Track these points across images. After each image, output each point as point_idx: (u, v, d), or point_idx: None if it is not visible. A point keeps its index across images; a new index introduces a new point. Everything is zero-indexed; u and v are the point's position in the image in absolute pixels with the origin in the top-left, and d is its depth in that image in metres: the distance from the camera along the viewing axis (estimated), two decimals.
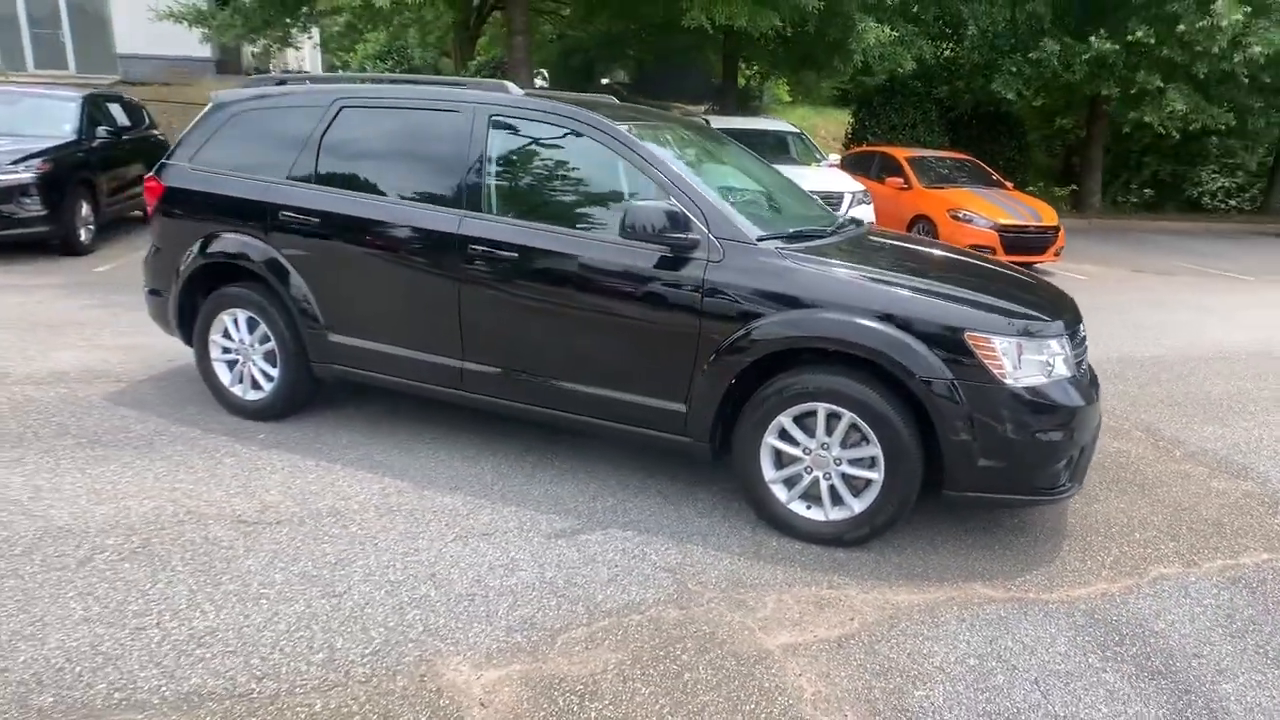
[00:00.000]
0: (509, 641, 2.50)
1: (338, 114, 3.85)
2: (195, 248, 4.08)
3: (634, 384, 3.34)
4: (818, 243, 3.41)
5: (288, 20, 13.17)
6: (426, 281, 3.62)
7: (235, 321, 4.10)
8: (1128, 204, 18.52)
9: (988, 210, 10.26)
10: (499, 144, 3.57)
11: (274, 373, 4.06)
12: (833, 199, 9.18)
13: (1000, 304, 3.02)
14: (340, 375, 3.99)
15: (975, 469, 2.92)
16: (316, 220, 3.80)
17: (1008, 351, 2.88)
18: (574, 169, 3.58)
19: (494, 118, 3.56)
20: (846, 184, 9.86)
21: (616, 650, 2.49)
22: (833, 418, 3.04)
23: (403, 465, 3.73)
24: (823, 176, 9.89)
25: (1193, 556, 3.21)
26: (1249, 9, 11.83)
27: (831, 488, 3.12)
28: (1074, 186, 17.60)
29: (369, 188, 3.81)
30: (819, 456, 3.10)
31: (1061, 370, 3.00)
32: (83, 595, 2.64)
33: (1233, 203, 19.73)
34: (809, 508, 3.18)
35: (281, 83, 4.26)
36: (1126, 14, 13.49)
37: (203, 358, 4.21)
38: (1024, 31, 14.62)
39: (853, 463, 3.06)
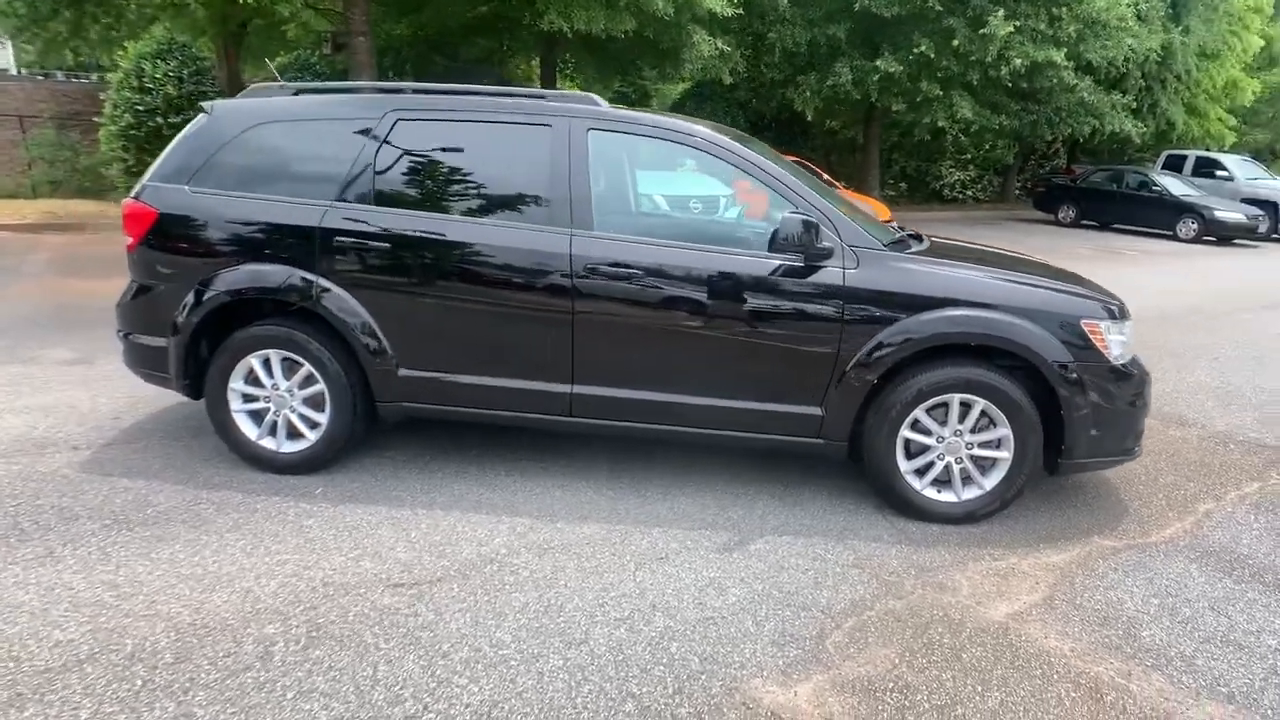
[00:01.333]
0: (789, 655, 2.55)
1: (393, 127, 3.54)
2: (211, 283, 3.55)
3: (769, 393, 3.44)
4: (919, 247, 3.73)
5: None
6: (530, 305, 3.46)
7: (266, 365, 3.62)
8: (889, 198, 21.20)
9: None
10: (601, 158, 3.49)
11: (321, 418, 3.64)
12: (711, 202, 9.68)
13: (1091, 294, 3.52)
14: (410, 413, 3.68)
15: (1089, 439, 3.39)
16: (386, 245, 3.48)
17: (1110, 334, 3.38)
18: (680, 182, 3.60)
19: (593, 130, 3.48)
20: (719, 188, 10.41)
21: (885, 646, 2.62)
22: (965, 406, 3.37)
23: (506, 501, 3.53)
24: (698, 181, 10.36)
25: (1214, 492, 3.94)
26: (1014, 25, 14.06)
27: (963, 470, 3.45)
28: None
29: (442, 207, 3.56)
30: (952, 443, 3.42)
31: (1131, 346, 3.57)
32: (307, 695, 2.29)
33: (969, 193, 23.32)
34: (939, 491, 3.49)
35: (298, 93, 3.81)
36: (911, 29, 15.40)
37: (220, 410, 3.66)
38: (823, 53, 16.16)
39: (982, 445, 3.42)
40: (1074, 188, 19.58)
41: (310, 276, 3.51)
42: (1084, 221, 19.18)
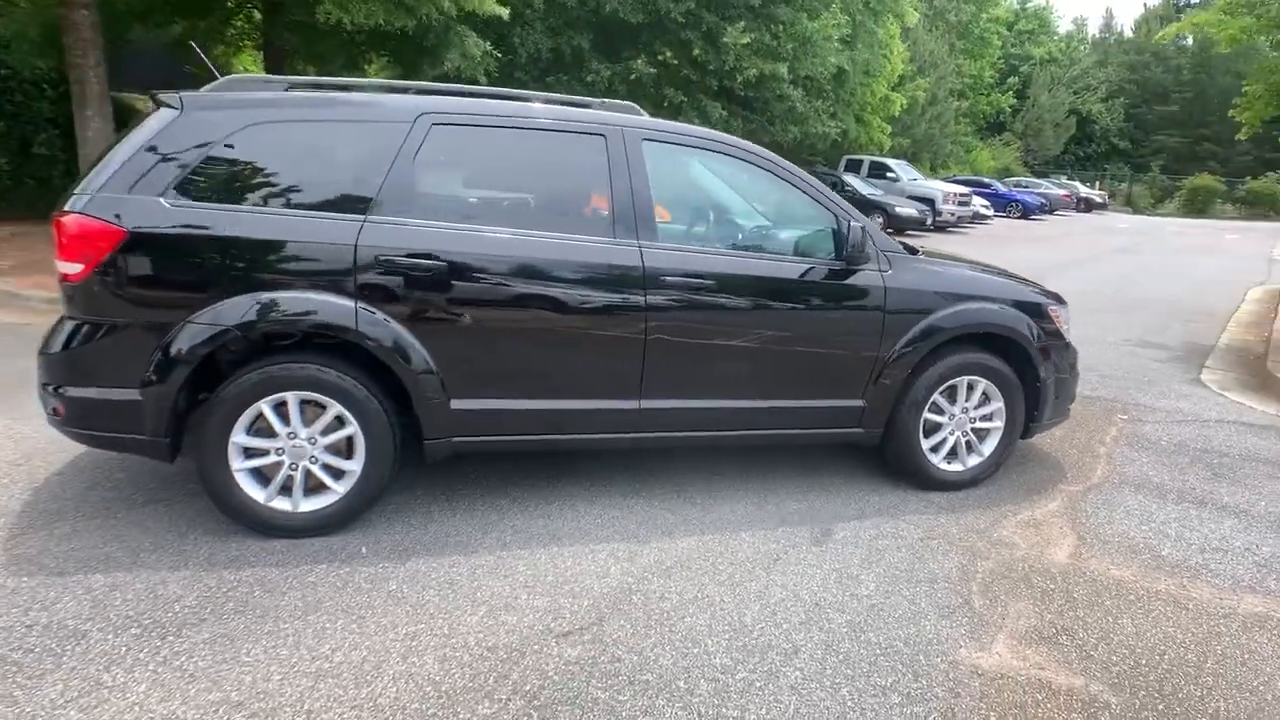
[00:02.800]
0: (962, 622, 2.83)
1: (429, 132, 3.18)
2: (212, 318, 2.92)
3: (822, 389, 3.70)
4: (926, 252, 4.18)
5: None
6: (601, 320, 3.33)
7: (280, 410, 3.07)
8: None
9: None
10: (656, 169, 3.46)
11: (352, 466, 3.18)
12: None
13: (1043, 287, 4.26)
14: (460, 449, 3.35)
15: (1051, 405, 4.12)
16: (439, 263, 3.12)
17: (1064, 318, 4.13)
18: (729, 194, 3.69)
19: (647, 141, 3.44)
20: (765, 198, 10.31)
21: (1018, 600, 3.02)
22: (970, 386, 3.92)
23: (579, 529, 3.38)
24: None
25: (1098, 438, 4.94)
26: (750, 37, 15.65)
27: (968, 443, 4.00)
28: None
29: (494, 219, 3.29)
30: (959, 419, 3.95)
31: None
32: None
33: None
34: (949, 463, 4.00)
35: (290, 88, 3.22)
36: (652, 38, 16.42)
37: (217, 470, 3.03)
38: (569, 60, 16.60)
39: (981, 419, 4.00)
40: None
41: (348, 302, 3.04)
42: None
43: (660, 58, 15.87)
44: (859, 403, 3.76)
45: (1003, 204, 30.32)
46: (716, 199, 3.79)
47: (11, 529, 3.12)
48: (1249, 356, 7.55)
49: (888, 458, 3.98)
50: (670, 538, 3.38)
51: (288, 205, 3.03)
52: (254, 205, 3.00)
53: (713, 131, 3.68)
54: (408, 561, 3.07)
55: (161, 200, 2.90)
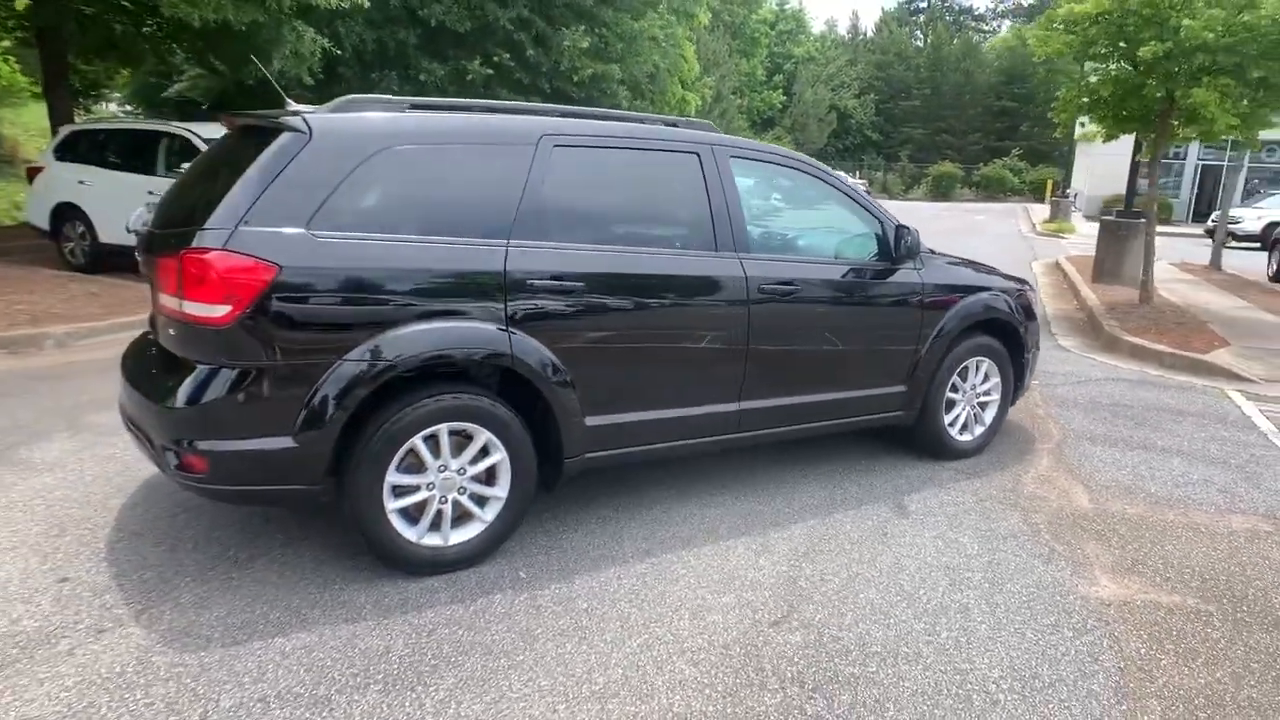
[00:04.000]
0: (1078, 567, 3.40)
1: (551, 153, 3.21)
2: (372, 354, 2.80)
3: (877, 379, 4.15)
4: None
5: None
6: (712, 331, 3.54)
7: (433, 444, 3.00)
8: None
9: None
10: (746, 185, 3.70)
11: (498, 492, 3.17)
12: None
13: (1013, 275, 4.99)
14: (590, 465, 3.42)
15: (1029, 376, 4.88)
16: (578, 284, 3.18)
17: (1034, 299, 4.90)
18: (796, 204, 4.00)
19: (735, 159, 3.68)
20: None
21: (1103, 544, 3.65)
22: (978, 366, 4.56)
23: (715, 527, 3.59)
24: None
25: (1031, 400, 5.83)
26: (586, 43, 15.91)
27: (975, 414, 4.65)
28: None
29: (617, 238, 3.39)
30: (969, 395, 4.58)
31: None
32: None
33: None
34: (961, 434, 4.62)
35: (413, 107, 3.09)
36: (481, 39, 16.21)
37: (373, 511, 2.91)
38: (394, 55, 15.99)
39: (984, 394, 4.65)
40: None
41: (502, 328, 3.02)
42: None
43: (495, 59, 15.71)
44: (902, 388, 4.26)
45: None
46: (788, 209, 4.11)
47: (128, 603, 2.79)
48: (1080, 322, 9.09)
49: (916, 435, 4.52)
50: (781, 527, 3.67)
51: (430, 232, 2.96)
52: (397, 233, 2.90)
53: (779, 147, 3.99)
54: (573, 579, 3.12)
55: (308, 232, 2.74)
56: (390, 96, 3.12)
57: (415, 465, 3.00)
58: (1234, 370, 6.68)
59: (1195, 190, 31.16)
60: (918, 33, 68.30)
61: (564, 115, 3.44)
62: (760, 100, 49.94)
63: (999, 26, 74.06)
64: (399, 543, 2.98)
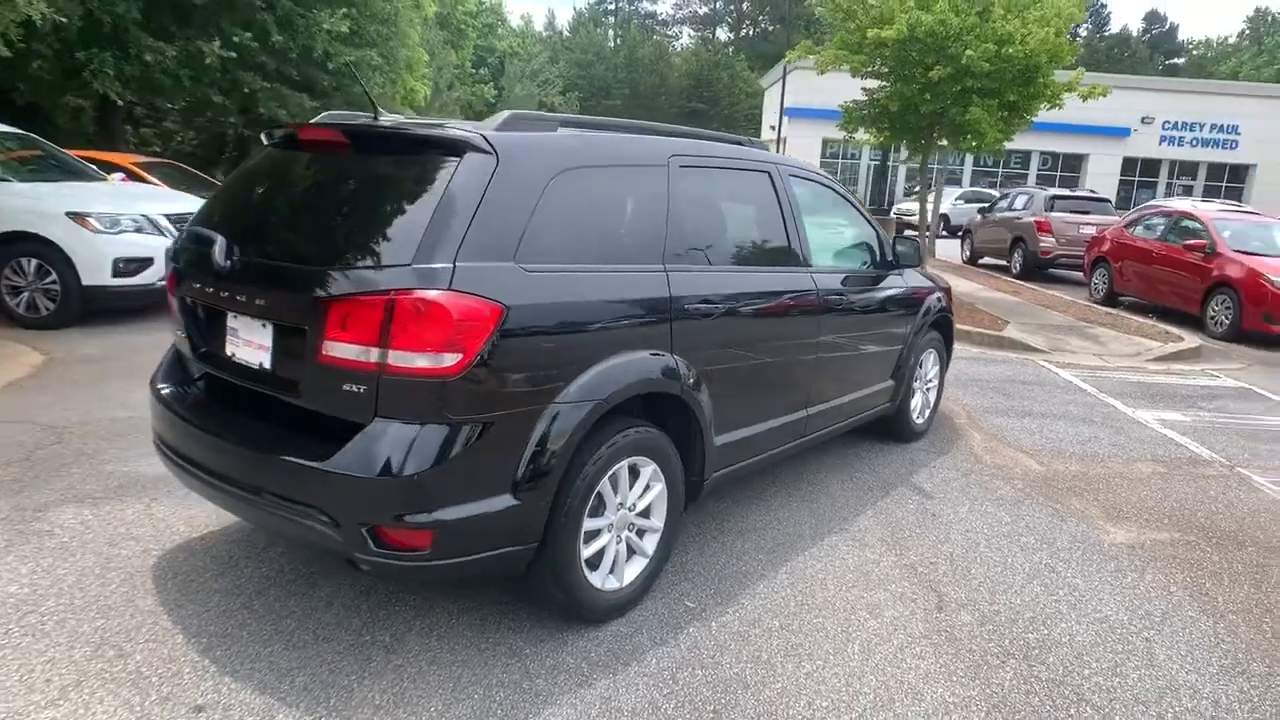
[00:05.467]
0: (1091, 522, 4.11)
1: (679, 175, 3.19)
2: (582, 393, 2.63)
3: (880, 375, 4.61)
4: None
5: None
6: (796, 343, 3.74)
7: (615, 481, 2.88)
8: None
9: None
10: (801, 202, 3.91)
11: (655, 523, 3.11)
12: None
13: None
14: (715, 485, 3.45)
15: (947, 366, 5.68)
16: (719, 307, 3.22)
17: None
18: (824, 218, 4.27)
19: (793, 177, 3.88)
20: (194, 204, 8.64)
21: (1087, 493, 4.42)
22: (928, 357, 5.23)
23: (808, 536, 3.78)
24: (166, 198, 8.34)
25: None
26: (346, 27, 14.73)
27: (926, 400, 5.31)
28: None
29: (730, 258, 3.45)
30: (922, 383, 5.23)
31: None
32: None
33: None
34: (919, 417, 5.26)
35: (562, 125, 2.85)
36: (217, 14, 14.37)
37: (571, 559, 2.73)
38: (109, 33, 13.62)
39: (930, 381, 5.34)
40: None
41: (671, 359, 2.97)
42: None
43: (236, 40, 13.98)
44: (893, 382, 4.78)
45: None
46: (822, 222, 4.36)
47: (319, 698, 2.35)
48: None
49: (892, 423, 5.07)
50: (851, 521, 3.98)
51: (604, 260, 2.83)
52: (580, 263, 2.74)
53: (812, 166, 4.27)
54: (738, 600, 3.16)
55: (517, 265, 2.50)
56: (542, 114, 2.89)
57: (597, 507, 2.85)
58: (1028, 343, 8.24)
59: (869, 186, 36.60)
60: (611, 33, 71.94)
61: (691, 137, 3.45)
62: (472, 94, 49.36)
63: (680, 31, 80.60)
64: (588, 591, 2.82)
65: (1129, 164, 35.59)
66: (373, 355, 2.32)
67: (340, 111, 3.32)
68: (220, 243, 2.60)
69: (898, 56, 9.67)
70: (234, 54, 13.92)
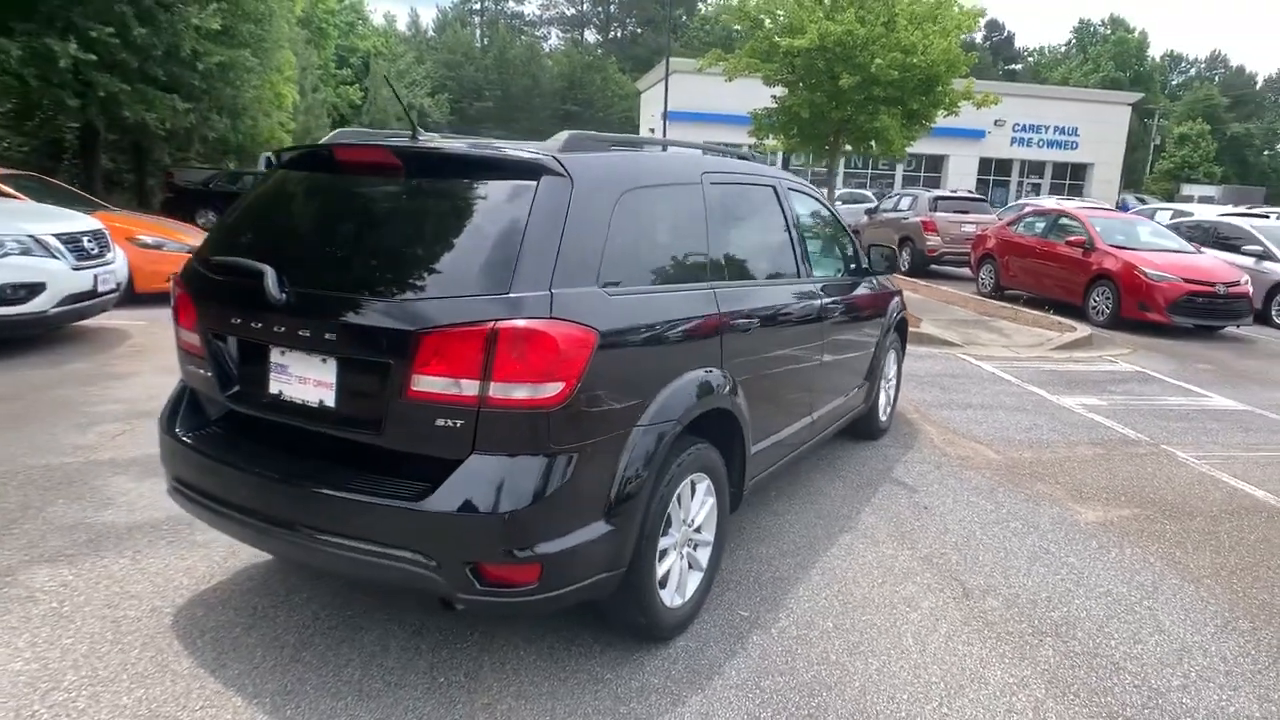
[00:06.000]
0: (1062, 500, 4.47)
1: (710, 191, 3.27)
2: (661, 414, 2.67)
3: (858, 377, 4.83)
4: None
5: None
6: (805, 351, 3.90)
7: (679, 499, 2.93)
8: None
9: (166, 232, 9.94)
10: (796, 213, 4.06)
11: (706, 537, 3.18)
12: (91, 237, 7.55)
13: None
14: (745, 494, 3.55)
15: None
16: (755, 321, 3.34)
17: None
18: (817, 228, 4.44)
19: (790, 190, 4.03)
20: (84, 221, 7.96)
21: (1049, 480, 4.79)
22: (891, 358, 5.52)
23: (841, 531, 3.93)
24: (54, 216, 7.63)
25: None
26: (218, 24, 13.90)
27: (888, 398, 5.61)
28: None
29: (755, 272, 3.56)
30: (886, 383, 5.52)
31: None
32: None
33: None
34: (883, 416, 5.54)
35: (613, 145, 2.86)
36: (68, 8, 13.28)
37: (648, 579, 2.76)
38: None
39: (889, 380, 5.64)
40: (213, 192, 20.02)
41: (722, 374, 3.05)
42: None
43: (94, 35, 12.95)
44: (867, 384, 5.03)
45: None
46: (814, 232, 4.51)
47: None
48: None
49: (863, 422, 5.32)
50: (857, 519, 4.17)
51: (661, 280, 2.87)
52: (645, 284, 2.77)
53: (800, 179, 4.43)
54: (785, 604, 3.27)
55: (601, 290, 2.51)
56: (593, 133, 2.89)
57: (665, 526, 2.88)
58: (945, 338, 8.80)
59: None
60: (478, 34, 70.97)
61: (713, 152, 3.52)
62: (336, 95, 47.49)
63: (548, 33, 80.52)
64: (662, 611, 2.86)
65: (985, 164, 38.41)
66: (471, 388, 2.27)
67: (352, 129, 3.22)
68: (270, 274, 2.47)
69: (807, 65, 10.09)
70: (92, 54, 12.90)
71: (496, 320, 2.26)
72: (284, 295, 2.45)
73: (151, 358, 6.74)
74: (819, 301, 4.00)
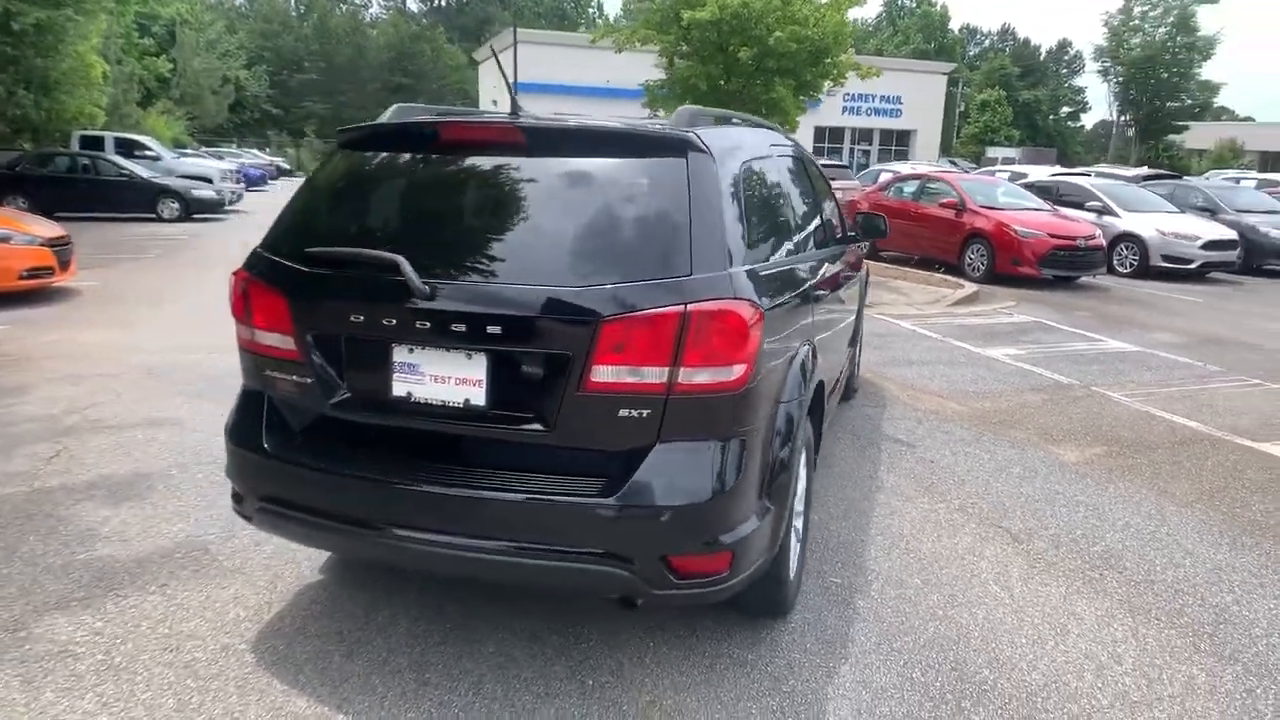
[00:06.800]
0: (1029, 444, 4.82)
1: (778, 162, 3.25)
2: (794, 392, 2.67)
3: (849, 341, 4.98)
4: None
5: None
6: (838, 316, 3.97)
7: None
8: None
9: (8, 223, 8.72)
10: (815, 177, 4.10)
11: (800, 507, 3.20)
12: None
13: None
14: None
15: None
16: (824, 290, 3.42)
17: None
18: (825, 191, 4.47)
19: (798, 159, 4.05)
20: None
21: (1020, 427, 5.15)
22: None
23: (848, 489, 4.05)
24: None
25: None
26: None
27: (857, 362, 5.82)
28: None
29: (811, 241, 3.58)
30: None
31: None
32: None
33: None
34: (853, 379, 5.76)
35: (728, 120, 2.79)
36: None
37: (787, 554, 2.77)
38: None
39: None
40: (24, 175, 17.69)
41: (815, 341, 3.06)
42: (58, 213, 17.79)
43: None
44: (853, 349, 5.20)
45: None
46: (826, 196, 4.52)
47: None
48: None
49: (848, 385, 5.50)
50: (885, 488, 4.34)
51: (773, 252, 2.83)
52: (767, 257, 2.72)
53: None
54: (869, 569, 3.36)
55: (752, 267, 2.45)
56: (705, 109, 2.76)
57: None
58: None
59: None
60: (293, 1, 66.26)
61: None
62: (143, 67, 42.97)
63: (369, 1, 76.46)
64: (789, 585, 2.86)
65: (820, 132, 40.27)
66: (660, 375, 2.16)
67: (409, 105, 2.95)
68: (407, 266, 2.23)
69: (703, 37, 10.17)
70: None
71: (686, 303, 2.15)
72: (427, 287, 2.22)
73: (35, 366, 5.94)
74: (842, 265, 4.08)
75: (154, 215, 18.17)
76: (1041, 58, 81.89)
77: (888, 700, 2.53)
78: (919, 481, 4.29)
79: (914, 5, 78.56)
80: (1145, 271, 12.57)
